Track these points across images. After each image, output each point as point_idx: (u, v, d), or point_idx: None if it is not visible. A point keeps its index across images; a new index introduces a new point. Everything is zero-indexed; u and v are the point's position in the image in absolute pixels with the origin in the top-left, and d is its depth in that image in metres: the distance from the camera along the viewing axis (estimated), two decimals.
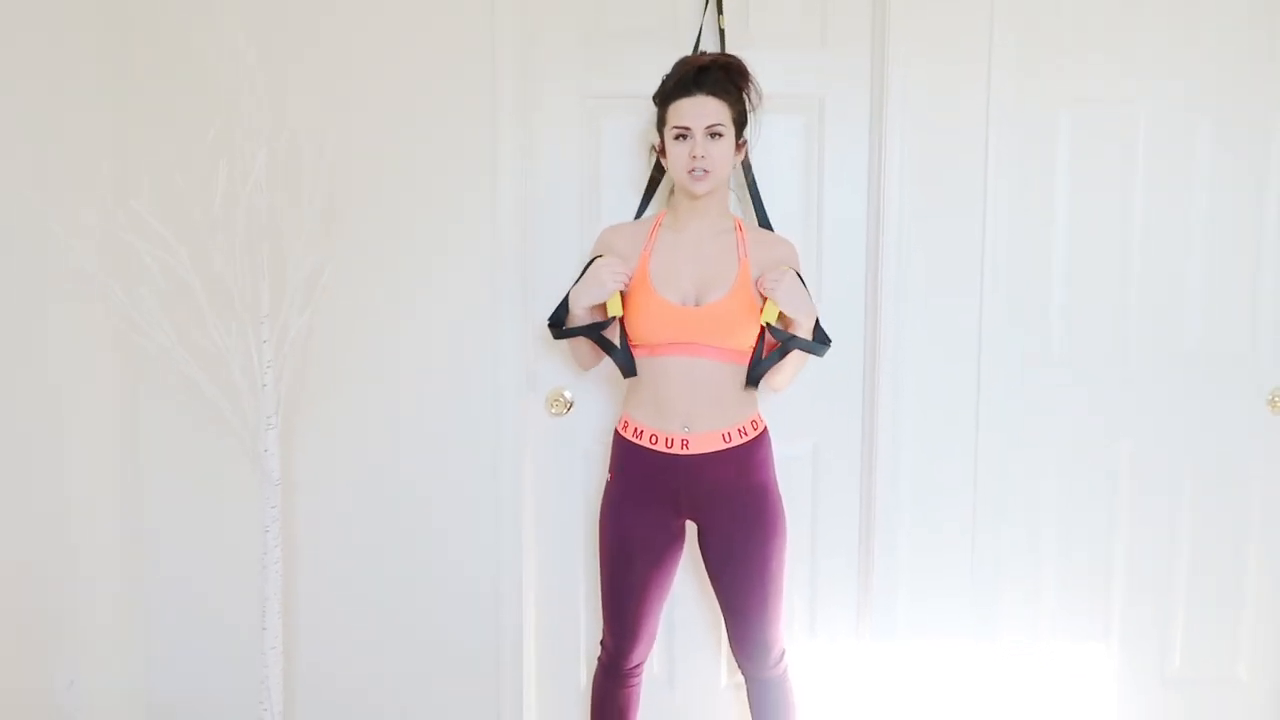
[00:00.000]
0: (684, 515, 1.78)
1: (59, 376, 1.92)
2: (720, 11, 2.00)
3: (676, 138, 1.68)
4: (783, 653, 1.82)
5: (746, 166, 1.92)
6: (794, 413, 2.13)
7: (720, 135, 1.67)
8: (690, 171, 1.67)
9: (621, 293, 1.72)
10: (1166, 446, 2.14)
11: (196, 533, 2.18)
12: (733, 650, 1.83)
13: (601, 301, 1.72)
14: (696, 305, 1.71)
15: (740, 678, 2.20)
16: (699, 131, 1.65)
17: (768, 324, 1.69)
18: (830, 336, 1.77)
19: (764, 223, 1.92)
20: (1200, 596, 2.18)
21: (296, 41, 2.02)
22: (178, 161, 1.87)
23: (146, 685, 2.22)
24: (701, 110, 1.65)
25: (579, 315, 1.75)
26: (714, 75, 1.67)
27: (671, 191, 1.83)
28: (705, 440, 1.71)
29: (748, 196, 1.96)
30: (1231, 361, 2.12)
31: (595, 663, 1.89)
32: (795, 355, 1.74)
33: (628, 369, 1.73)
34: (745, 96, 1.73)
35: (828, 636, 2.19)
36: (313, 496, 2.16)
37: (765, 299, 1.69)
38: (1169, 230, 2.09)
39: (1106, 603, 2.18)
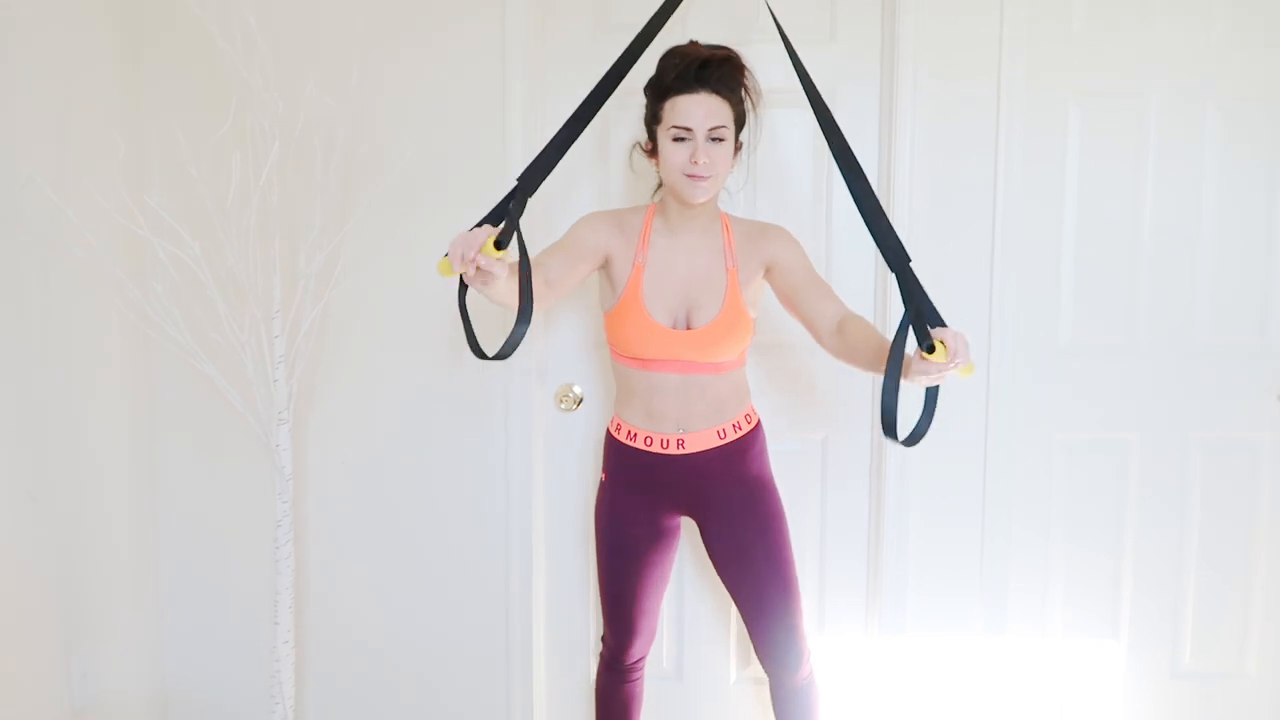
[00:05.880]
0: (680, 511, 1.76)
1: (73, 370, 1.93)
2: None
3: (676, 139, 1.54)
4: (809, 657, 1.77)
5: None
6: (803, 407, 2.14)
7: (722, 139, 1.54)
8: (689, 176, 1.54)
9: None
10: (1176, 440, 2.14)
11: (210, 526, 2.19)
12: (759, 656, 1.77)
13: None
14: (687, 328, 1.63)
15: (751, 673, 2.22)
16: (701, 134, 1.52)
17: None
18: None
19: None
20: (1209, 591, 2.17)
21: (308, 37, 2.02)
22: (191, 155, 1.87)
23: (160, 678, 2.23)
24: (705, 110, 1.52)
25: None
26: (718, 71, 1.53)
27: (659, 186, 1.71)
28: (700, 439, 1.68)
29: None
30: (1241, 355, 2.12)
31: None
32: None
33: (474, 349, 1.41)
34: (746, 95, 1.60)
35: (836, 632, 2.20)
36: (324, 490, 2.17)
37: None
38: (1179, 222, 2.08)
39: (1116, 597, 2.17)
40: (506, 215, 1.38)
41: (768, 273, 1.67)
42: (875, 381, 2.14)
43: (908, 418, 1.41)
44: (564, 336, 2.16)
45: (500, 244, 1.30)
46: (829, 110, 1.51)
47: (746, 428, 1.73)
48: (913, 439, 1.34)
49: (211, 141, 1.87)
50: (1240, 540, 2.16)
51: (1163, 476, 2.15)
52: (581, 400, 2.17)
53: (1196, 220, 2.09)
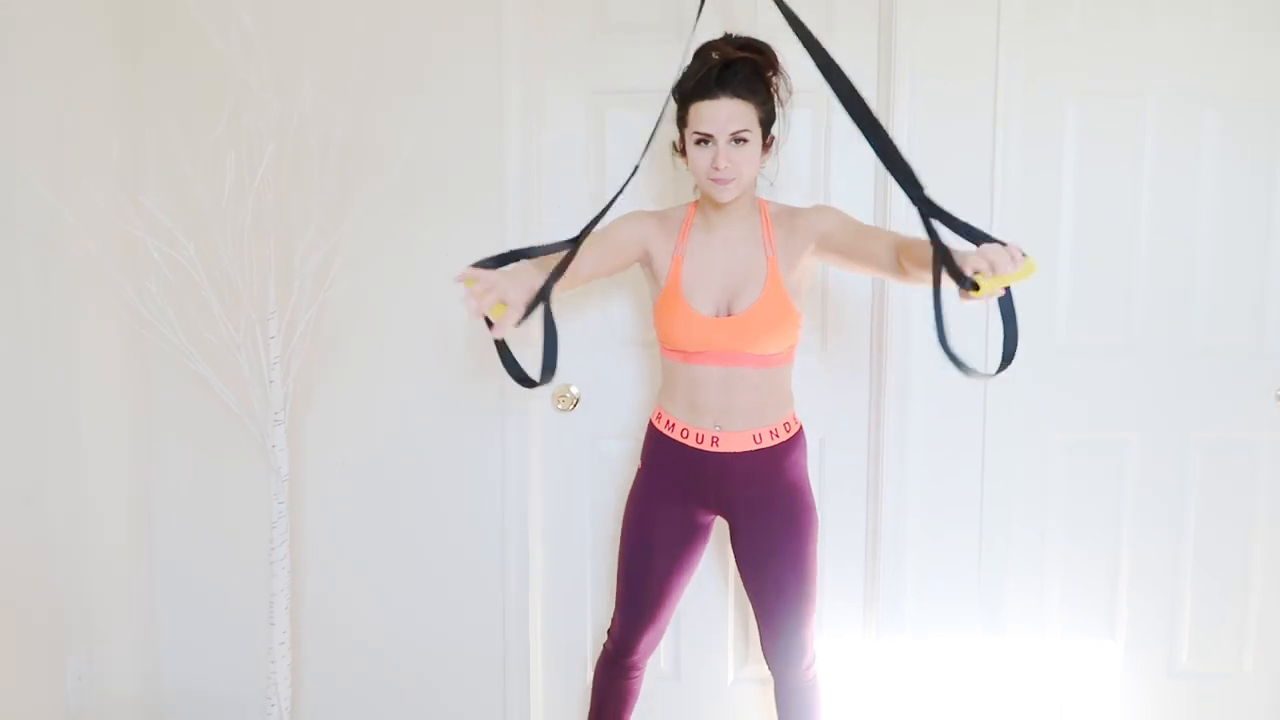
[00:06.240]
0: (712, 511, 1.75)
1: (69, 371, 1.92)
2: None
3: (698, 142, 1.56)
4: (814, 657, 1.78)
5: None
6: (800, 407, 2.12)
7: (745, 140, 1.55)
8: (713, 179, 1.57)
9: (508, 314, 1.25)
10: (1173, 440, 2.13)
11: (206, 528, 2.19)
12: (765, 653, 1.78)
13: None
14: (729, 315, 1.64)
15: (749, 673, 2.22)
16: (722, 138, 1.53)
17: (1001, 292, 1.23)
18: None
19: None
20: (1206, 591, 2.17)
21: (305, 36, 2.02)
22: (187, 155, 1.87)
23: (156, 679, 2.22)
24: (726, 115, 1.52)
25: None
26: (739, 73, 1.53)
27: (695, 185, 1.72)
28: (736, 439, 1.68)
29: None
30: (1239, 354, 2.11)
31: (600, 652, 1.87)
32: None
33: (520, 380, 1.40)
34: (773, 93, 1.60)
35: (835, 634, 2.19)
36: (320, 491, 2.16)
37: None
38: (1176, 223, 2.08)
39: (1113, 597, 2.17)
40: (540, 293, 1.27)
41: (819, 249, 1.65)
42: (873, 383, 2.14)
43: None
44: (561, 337, 2.14)
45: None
46: (837, 64, 1.42)
47: (785, 435, 1.71)
48: (1004, 363, 1.25)
49: (208, 141, 1.86)
50: (1238, 540, 2.16)
51: (1161, 477, 2.14)
52: (578, 401, 2.16)
53: (1194, 220, 2.09)
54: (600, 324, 2.15)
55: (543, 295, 1.28)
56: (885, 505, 2.11)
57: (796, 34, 1.44)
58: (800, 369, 2.12)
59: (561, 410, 2.17)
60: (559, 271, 1.35)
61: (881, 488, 2.11)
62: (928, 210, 1.27)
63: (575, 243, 1.40)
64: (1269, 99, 2.05)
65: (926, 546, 2.12)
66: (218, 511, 2.18)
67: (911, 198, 1.30)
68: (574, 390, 2.16)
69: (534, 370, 1.37)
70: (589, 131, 2.09)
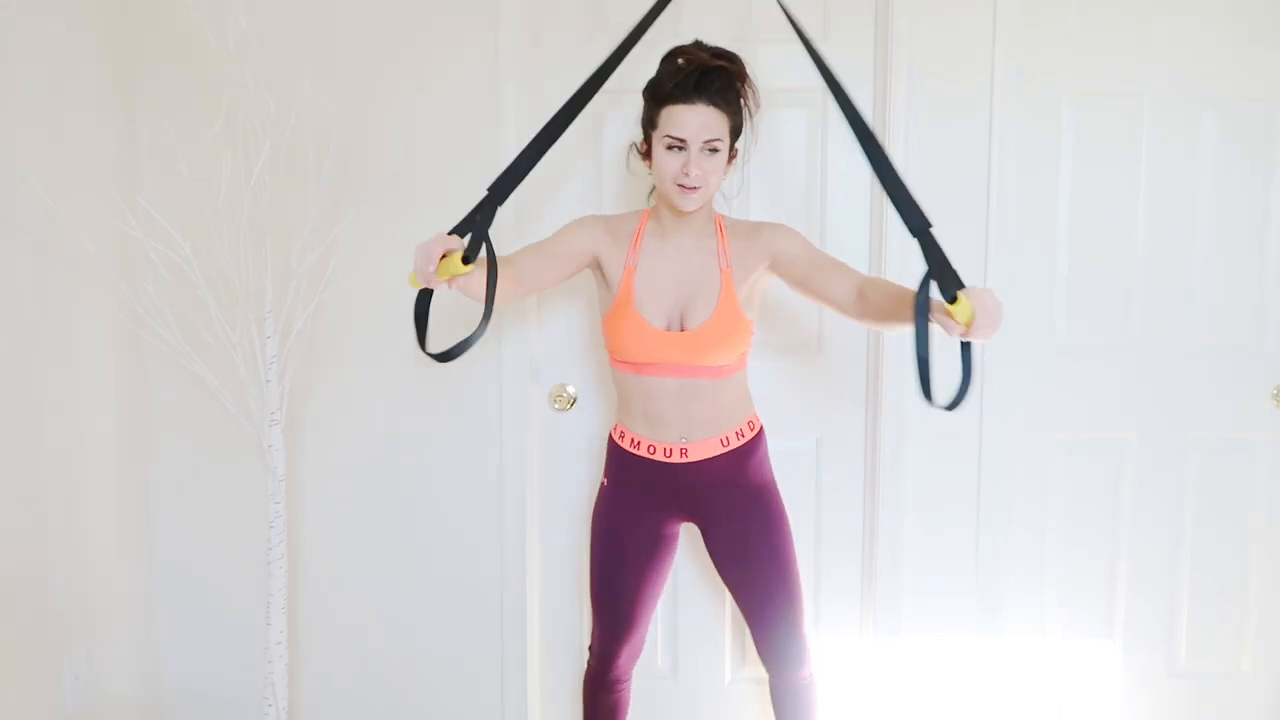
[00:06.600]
0: (682, 517, 1.75)
1: (65, 371, 1.92)
2: None
3: (669, 148, 1.54)
4: (810, 655, 1.77)
5: None
6: (797, 407, 2.13)
7: (716, 150, 1.54)
8: (680, 186, 1.54)
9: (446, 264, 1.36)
10: (1172, 440, 2.13)
11: (203, 528, 2.19)
12: (762, 655, 1.77)
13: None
14: (681, 329, 1.62)
15: (747, 673, 2.22)
16: (695, 145, 1.51)
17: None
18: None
19: None
20: (1205, 591, 2.17)
21: (302, 36, 2.02)
22: (183, 154, 1.87)
23: (155, 679, 2.22)
24: (701, 122, 1.51)
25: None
26: (717, 82, 1.52)
27: (652, 190, 1.71)
28: (704, 447, 1.67)
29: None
30: (1237, 354, 2.11)
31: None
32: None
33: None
34: (744, 104, 1.60)
35: (832, 634, 2.19)
36: (318, 491, 2.16)
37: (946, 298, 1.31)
38: (1174, 223, 2.08)
39: (1111, 597, 2.17)
40: (474, 227, 1.41)
41: (773, 267, 1.65)
42: (870, 382, 2.14)
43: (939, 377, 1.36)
44: (557, 337, 2.15)
45: (466, 259, 1.35)
46: (841, 86, 1.50)
47: (749, 434, 1.71)
48: (954, 403, 1.29)
49: (204, 141, 1.86)
50: (1237, 540, 2.16)
51: (1160, 477, 2.14)
52: (575, 400, 2.16)
53: (1193, 220, 2.08)
54: (596, 322, 2.15)
55: (481, 235, 1.40)
56: (882, 505, 2.10)
57: (820, 72, 1.51)
58: (797, 368, 2.13)
59: (559, 410, 2.17)
60: (489, 214, 1.44)
61: (879, 487, 2.10)
62: (929, 246, 1.35)
63: (482, 206, 1.45)
64: (1267, 99, 2.05)
65: (924, 547, 2.12)
66: (216, 511, 2.18)
67: (915, 232, 1.37)
68: (570, 390, 2.16)
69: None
70: (586, 132, 2.08)
